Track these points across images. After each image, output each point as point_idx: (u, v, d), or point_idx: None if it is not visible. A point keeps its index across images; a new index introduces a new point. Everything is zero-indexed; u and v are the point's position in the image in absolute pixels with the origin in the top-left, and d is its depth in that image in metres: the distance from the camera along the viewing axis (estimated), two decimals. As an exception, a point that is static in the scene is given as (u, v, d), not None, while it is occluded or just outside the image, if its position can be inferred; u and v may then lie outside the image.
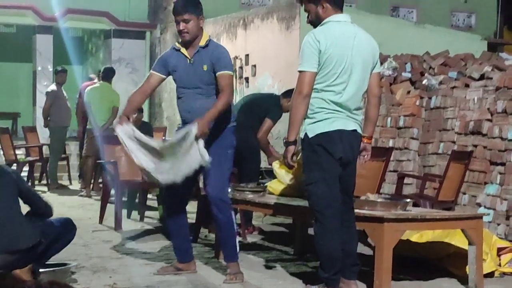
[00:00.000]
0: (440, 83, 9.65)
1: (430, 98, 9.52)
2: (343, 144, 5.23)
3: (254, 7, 17.16)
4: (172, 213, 6.14)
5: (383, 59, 11.08)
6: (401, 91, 10.02)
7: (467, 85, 9.23)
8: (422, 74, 10.21)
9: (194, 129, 5.59)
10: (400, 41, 12.22)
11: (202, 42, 5.88)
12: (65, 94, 13.51)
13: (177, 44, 5.97)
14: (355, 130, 5.31)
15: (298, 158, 5.67)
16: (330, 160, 5.21)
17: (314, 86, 5.19)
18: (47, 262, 5.78)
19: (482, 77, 9.13)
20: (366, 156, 5.53)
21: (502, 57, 10.28)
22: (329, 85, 5.19)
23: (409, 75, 10.34)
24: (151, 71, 6.03)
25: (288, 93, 8.64)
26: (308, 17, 5.47)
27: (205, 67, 5.84)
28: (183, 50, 5.90)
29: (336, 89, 5.20)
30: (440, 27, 14.49)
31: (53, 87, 13.65)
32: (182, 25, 5.80)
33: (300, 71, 5.21)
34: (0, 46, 20.10)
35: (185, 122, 5.94)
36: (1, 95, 20.24)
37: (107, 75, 12.34)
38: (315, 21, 5.39)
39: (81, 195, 12.20)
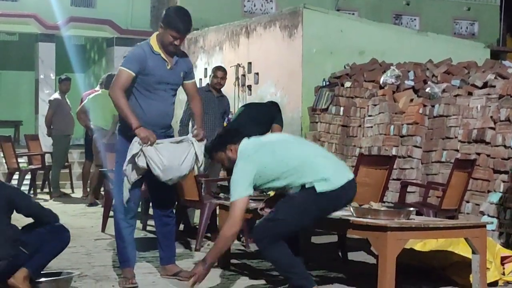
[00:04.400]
0: (443, 91, 9.64)
1: (433, 106, 9.50)
2: (347, 197, 5.50)
3: (257, 15, 17.20)
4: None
5: (386, 67, 11.09)
6: (404, 99, 10.01)
7: (470, 93, 9.22)
8: (425, 82, 10.20)
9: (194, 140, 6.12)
10: (403, 49, 12.24)
11: (179, 52, 6.23)
12: (68, 103, 13.51)
13: (155, 48, 6.09)
14: (352, 179, 5.52)
15: None
16: (321, 214, 5.47)
17: (285, 175, 5.35)
18: (49, 271, 5.76)
19: (485, 85, 9.11)
20: None
21: (505, 65, 10.26)
22: (292, 163, 5.37)
23: (412, 83, 10.33)
24: (129, 71, 5.96)
25: None
26: (223, 165, 5.90)
27: (182, 74, 6.24)
28: (164, 55, 6.11)
29: (299, 156, 5.42)
30: (443, 35, 14.50)
31: (56, 95, 13.66)
32: (178, 42, 6.09)
33: (232, 201, 5.36)
34: (2, 54, 20.14)
35: (155, 126, 6.05)
36: (3, 103, 20.28)
37: (109, 82, 12.27)
38: (229, 163, 5.63)
39: (90, 204, 12.09)
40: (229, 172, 8.71)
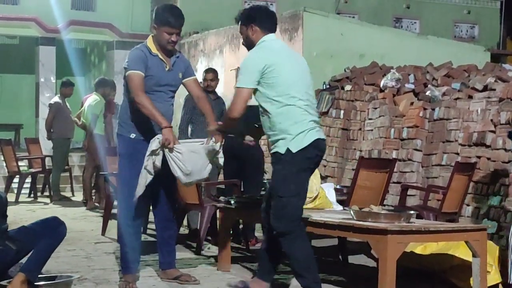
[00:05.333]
0: (443, 94, 9.64)
1: (433, 109, 9.50)
2: (321, 153, 5.58)
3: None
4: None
5: (386, 70, 11.09)
6: (404, 102, 10.01)
7: (470, 97, 9.22)
8: (425, 85, 10.21)
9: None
10: (403, 53, 12.25)
11: (176, 52, 6.27)
12: (68, 106, 13.52)
13: (153, 49, 6.10)
14: (324, 139, 5.62)
15: None
16: (308, 172, 5.52)
17: (276, 100, 5.41)
18: (49, 275, 5.74)
19: (485, 88, 9.11)
20: None
21: (505, 68, 10.27)
22: (288, 94, 5.41)
23: (412, 86, 10.33)
24: (139, 72, 5.96)
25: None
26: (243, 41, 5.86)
27: (180, 75, 6.22)
28: (162, 56, 6.12)
29: (297, 95, 5.44)
30: (443, 38, 14.52)
31: (56, 98, 13.65)
32: (175, 37, 6.08)
33: (237, 88, 5.48)
34: (3, 57, 20.13)
35: (156, 127, 6.02)
36: (4, 107, 20.26)
37: (96, 86, 12.30)
38: (246, 43, 5.77)
39: (88, 209, 12.11)
40: (228, 175, 8.73)
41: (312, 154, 5.44)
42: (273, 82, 5.39)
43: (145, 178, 5.92)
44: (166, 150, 5.86)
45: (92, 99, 12.00)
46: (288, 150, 5.37)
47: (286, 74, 5.43)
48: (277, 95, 5.40)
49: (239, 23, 5.76)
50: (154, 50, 6.08)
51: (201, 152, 5.99)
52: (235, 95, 5.50)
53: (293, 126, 5.38)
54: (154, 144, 5.87)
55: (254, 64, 5.45)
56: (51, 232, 5.48)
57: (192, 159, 5.92)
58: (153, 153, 5.87)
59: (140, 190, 5.94)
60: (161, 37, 6.05)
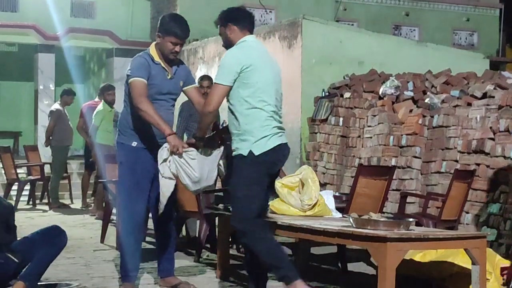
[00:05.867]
0: (442, 101, 9.63)
1: (432, 116, 9.50)
2: (283, 158, 5.63)
3: (256, 26, 17.16)
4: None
5: (385, 77, 11.09)
6: (403, 109, 10.00)
7: (469, 104, 9.21)
8: (424, 92, 10.20)
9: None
10: (402, 60, 12.23)
11: (177, 61, 6.27)
12: (67, 114, 13.54)
13: (156, 58, 6.10)
14: (286, 143, 5.64)
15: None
16: (267, 176, 5.57)
17: (246, 100, 5.46)
18: (48, 282, 5.73)
19: (484, 95, 9.11)
20: None
21: (504, 76, 10.25)
22: (259, 97, 5.48)
23: (411, 93, 10.32)
24: (142, 79, 5.93)
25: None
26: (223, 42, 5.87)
27: (181, 83, 6.23)
28: (164, 64, 6.13)
29: (267, 100, 5.51)
30: (442, 45, 14.50)
31: (56, 106, 13.67)
32: (178, 48, 6.11)
33: (215, 83, 5.52)
34: (2, 65, 20.16)
35: (157, 135, 6.04)
36: (3, 114, 20.27)
37: (99, 92, 12.33)
38: (225, 43, 5.77)
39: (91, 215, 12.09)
40: (226, 183, 8.72)
41: (274, 158, 5.51)
42: (248, 82, 5.44)
43: (166, 186, 5.87)
44: (175, 158, 5.81)
45: (96, 110, 11.94)
46: (250, 152, 5.43)
47: (261, 77, 5.49)
48: (248, 96, 5.46)
49: (218, 24, 5.79)
50: (156, 58, 6.08)
51: (207, 159, 5.97)
52: (212, 90, 5.57)
53: (258, 129, 5.45)
54: (164, 153, 5.80)
55: (235, 62, 5.47)
56: (51, 241, 5.49)
57: (200, 165, 5.88)
58: (165, 161, 5.83)
59: (164, 200, 5.90)
60: (164, 46, 6.05)
